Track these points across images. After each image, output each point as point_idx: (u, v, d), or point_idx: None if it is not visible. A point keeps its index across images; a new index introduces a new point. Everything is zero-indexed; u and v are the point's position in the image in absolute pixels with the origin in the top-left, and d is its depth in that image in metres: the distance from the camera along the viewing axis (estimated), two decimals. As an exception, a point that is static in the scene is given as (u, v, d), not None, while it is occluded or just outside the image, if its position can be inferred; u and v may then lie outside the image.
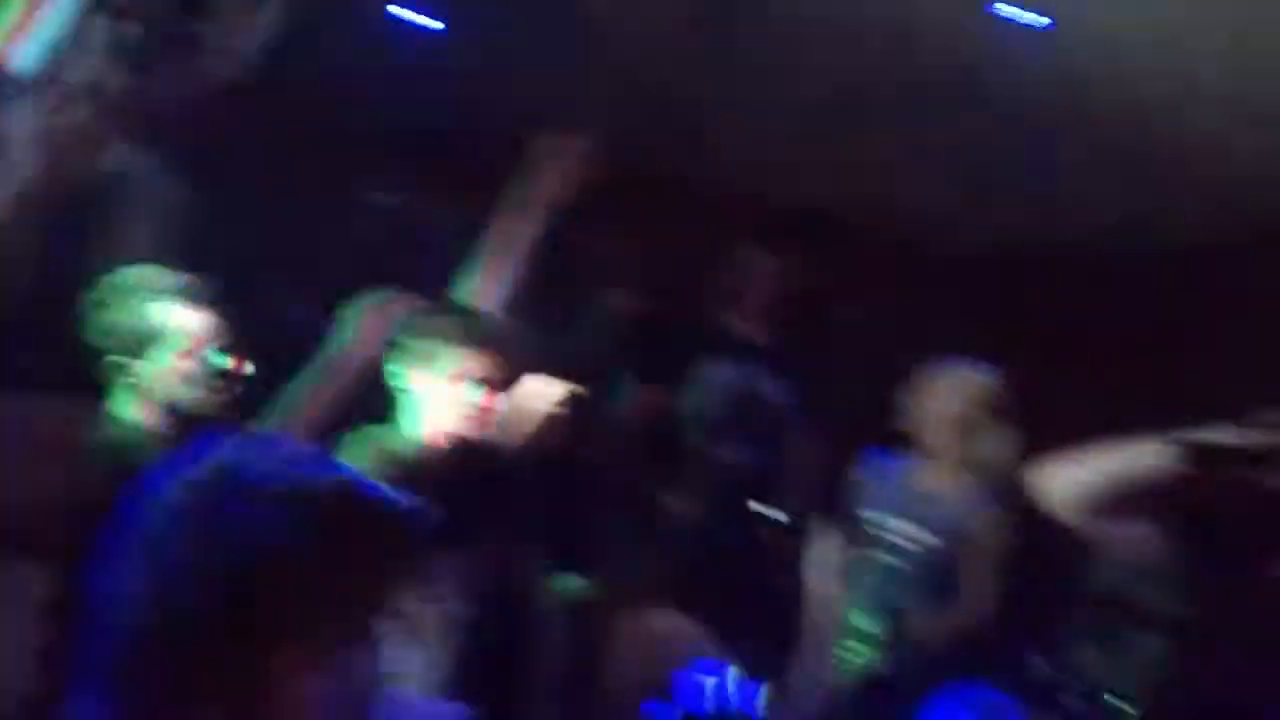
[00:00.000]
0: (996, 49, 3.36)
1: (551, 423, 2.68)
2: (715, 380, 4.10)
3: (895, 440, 3.72)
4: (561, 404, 2.69)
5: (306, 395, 2.59)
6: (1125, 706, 3.07)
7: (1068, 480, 2.15)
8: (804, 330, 4.35)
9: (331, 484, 1.04)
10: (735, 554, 3.37)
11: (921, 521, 3.56)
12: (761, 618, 2.83)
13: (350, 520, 1.02)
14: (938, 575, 3.53)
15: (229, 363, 2.60)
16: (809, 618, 2.18)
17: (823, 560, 2.22)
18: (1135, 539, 2.19)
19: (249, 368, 2.62)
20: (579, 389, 2.72)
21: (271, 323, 3.45)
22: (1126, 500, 2.07)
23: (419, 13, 3.88)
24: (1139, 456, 2.04)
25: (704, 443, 4.04)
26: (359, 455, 2.72)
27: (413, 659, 2.26)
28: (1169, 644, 2.28)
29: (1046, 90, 3.45)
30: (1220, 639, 1.96)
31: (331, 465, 1.09)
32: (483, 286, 3.10)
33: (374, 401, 2.84)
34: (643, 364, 4.07)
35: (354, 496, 1.04)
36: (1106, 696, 3.16)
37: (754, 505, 3.68)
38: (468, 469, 2.44)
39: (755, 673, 2.34)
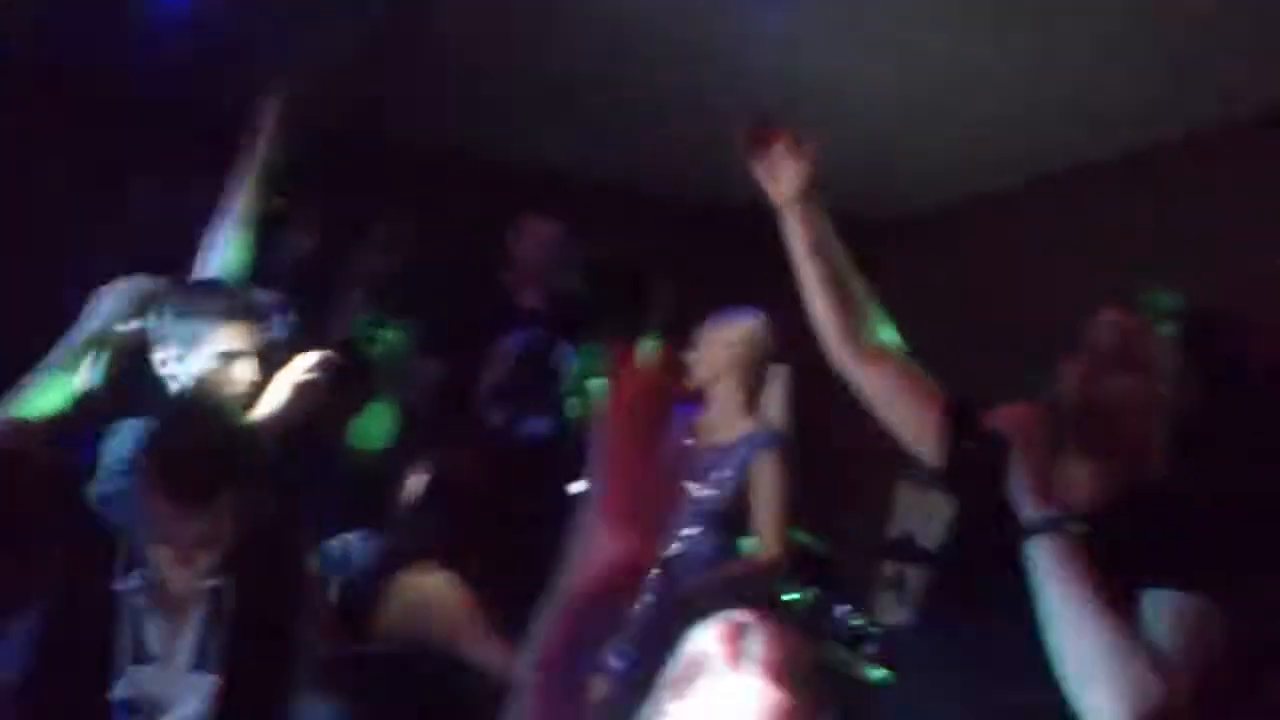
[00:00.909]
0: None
1: (309, 389, 2.62)
2: (502, 350, 4.09)
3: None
4: (316, 369, 2.63)
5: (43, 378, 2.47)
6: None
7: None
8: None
9: None
10: (525, 520, 3.33)
11: (705, 473, 3.61)
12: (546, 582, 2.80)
13: None
14: (725, 522, 3.60)
15: None
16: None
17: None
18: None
19: None
20: (334, 355, 2.66)
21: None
22: None
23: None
24: None
25: (492, 411, 4.03)
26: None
27: (166, 630, 2.18)
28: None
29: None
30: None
31: None
32: (230, 257, 3.02)
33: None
34: (426, 333, 4.02)
35: None
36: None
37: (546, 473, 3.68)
38: (232, 440, 2.36)
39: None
